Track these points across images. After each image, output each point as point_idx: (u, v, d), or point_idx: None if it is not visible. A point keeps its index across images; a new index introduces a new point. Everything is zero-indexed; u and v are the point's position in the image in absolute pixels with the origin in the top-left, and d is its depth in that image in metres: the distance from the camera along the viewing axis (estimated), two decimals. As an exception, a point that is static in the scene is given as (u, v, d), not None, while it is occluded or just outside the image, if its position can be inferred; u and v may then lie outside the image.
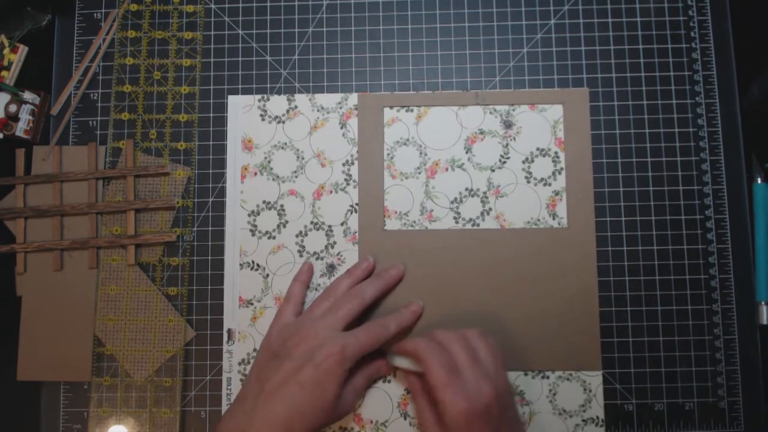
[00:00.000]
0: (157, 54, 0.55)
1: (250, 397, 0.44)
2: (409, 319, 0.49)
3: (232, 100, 0.54)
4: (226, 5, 0.55)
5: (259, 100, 0.54)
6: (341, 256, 0.52)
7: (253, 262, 0.52)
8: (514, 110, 0.53)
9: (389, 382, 0.50)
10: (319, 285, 0.51)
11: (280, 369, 0.43)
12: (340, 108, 0.53)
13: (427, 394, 0.45)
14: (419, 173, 0.52)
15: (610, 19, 0.54)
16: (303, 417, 0.42)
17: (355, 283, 0.49)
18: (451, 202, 0.52)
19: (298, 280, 0.51)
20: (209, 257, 0.52)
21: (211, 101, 0.54)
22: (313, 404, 0.42)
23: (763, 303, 0.51)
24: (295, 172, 0.53)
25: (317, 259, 0.52)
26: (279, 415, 0.42)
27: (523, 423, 0.45)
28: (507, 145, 0.52)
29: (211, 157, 0.53)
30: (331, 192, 0.53)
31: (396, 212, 0.52)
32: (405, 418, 0.50)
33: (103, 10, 0.55)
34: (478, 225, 0.52)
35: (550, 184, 0.52)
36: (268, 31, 0.55)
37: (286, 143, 0.53)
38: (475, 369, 0.43)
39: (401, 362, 0.47)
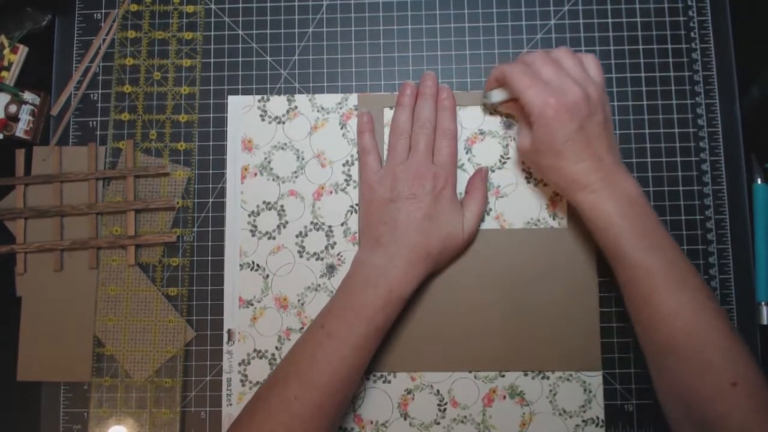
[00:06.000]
0: (157, 54, 0.55)
1: (383, 236, 0.47)
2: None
3: (232, 100, 0.54)
4: (226, 5, 0.55)
5: (259, 101, 0.54)
6: (341, 256, 0.52)
7: (253, 262, 0.52)
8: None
9: (389, 382, 0.50)
10: (319, 285, 0.51)
11: (403, 208, 0.47)
12: (340, 108, 0.53)
13: (527, 118, 0.46)
14: (419, 173, 0.52)
15: (610, 20, 0.54)
16: (438, 242, 0.47)
17: (411, 112, 0.50)
18: (451, 203, 0.52)
19: (366, 131, 0.51)
20: (209, 258, 0.52)
21: (211, 101, 0.54)
22: (442, 230, 0.47)
23: (763, 303, 0.50)
24: (295, 172, 0.53)
25: (317, 259, 0.52)
26: (420, 242, 0.46)
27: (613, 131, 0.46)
28: (507, 145, 0.52)
29: (211, 157, 0.53)
30: (331, 192, 0.53)
31: (396, 212, 0.52)
32: (405, 419, 0.50)
33: (103, 11, 0.55)
34: (478, 225, 0.52)
35: (550, 185, 0.52)
36: (268, 31, 0.55)
37: (286, 143, 0.53)
38: (559, 74, 0.44)
39: (497, 96, 0.49)
